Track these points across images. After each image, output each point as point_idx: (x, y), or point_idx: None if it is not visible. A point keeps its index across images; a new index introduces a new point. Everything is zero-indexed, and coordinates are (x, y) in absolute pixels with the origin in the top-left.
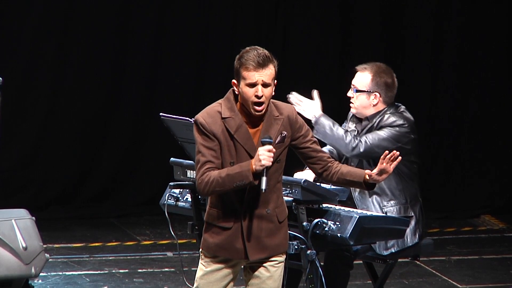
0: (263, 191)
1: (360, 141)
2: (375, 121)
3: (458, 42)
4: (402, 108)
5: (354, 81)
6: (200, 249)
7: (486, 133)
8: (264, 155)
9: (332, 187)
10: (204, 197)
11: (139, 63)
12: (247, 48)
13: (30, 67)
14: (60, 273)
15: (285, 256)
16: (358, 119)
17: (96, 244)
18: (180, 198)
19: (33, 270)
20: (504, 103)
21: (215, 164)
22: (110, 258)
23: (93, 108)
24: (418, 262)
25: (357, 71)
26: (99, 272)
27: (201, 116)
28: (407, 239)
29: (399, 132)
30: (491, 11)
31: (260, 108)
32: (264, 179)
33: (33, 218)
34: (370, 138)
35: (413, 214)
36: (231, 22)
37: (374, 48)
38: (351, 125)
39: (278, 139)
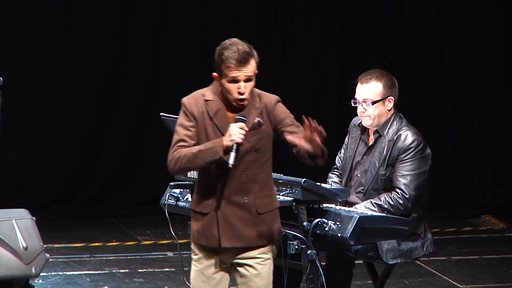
0: (230, 166)
1: (403, 198)
2: (392, 138)
3: (459, 42)
4: (403, 117)
5: (364, 95)
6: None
7: (486, 133)
8: (235, 131)
9: (333, 186)
10: (174, 175)
11: (139, 63)
12: (226, 42)
13: (30, 67)
14: (61, 273)
15: (271, 253)
16: (363, 128)
17: (97, 244)
18: (181, 198)
19: (33, 270)
20: (505, 103)
21: (188, 144)
22: (111, 258)
23: (93, 108)
24: (418, 262)
25: (361, 84)
26: (99, 272)
27: (185, 98)
28: (414, 253)
29: (422, 156)
30: (492, 10)
31: (242, 102)
32: (232, 154)
33: (34, 218)
34: (408, 187)
35: (419, 232)
36: (231, 21)
37: (375, 48)
38: (354, 134)
39: (252, 125)
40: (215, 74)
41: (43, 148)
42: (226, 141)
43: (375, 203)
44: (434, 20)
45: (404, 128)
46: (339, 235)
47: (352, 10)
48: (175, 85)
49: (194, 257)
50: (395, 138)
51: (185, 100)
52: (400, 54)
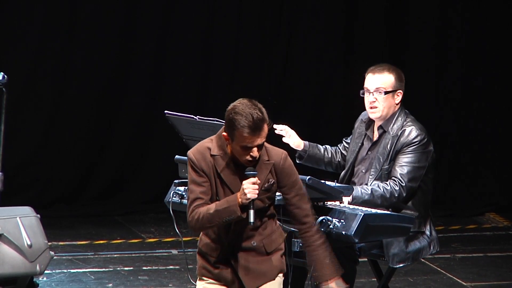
0: (251, 224)
1: (399, 185)
2: (396, 134)
3: (463, 41)
4: (408, 113)
5: (376, 84)
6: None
7: (491, 130)
8: (249, 188)
9: (337, 184)
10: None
11: (144, 61)
12: (239, 106)
13: (34, 65)
14: (65, 271)
15: (283, 276)
16: (368, 124)
17: (101, 241)
18: (185, 196)
19: (38, 267)
20: (510, 100)
21: (204, 200)
22: (115, 255)
23: (98, 106)
24: (423, 260)
25: (374, 74)
26: (104, 269)
27: (191, 152)
28: (421, 253)
29: (423, 151)
30: (497, 9)
31: (252, 164)
32: (251, 212)
33: (38, 215)
34: (404, 177)
35: (424, 230)
36: (236, 20)
37: (379, 46)
38: (359, 129)
39: (265, 186)
40: (225, 134)
41: (47, 146)
42: (242, 199)
43: (371, 187)
44: (438, 17)
45: (409, 123)
46: (343, 232)
47: (356, 8)
48: (179, 83)
49: (200, 282)
50: (399, 133)
51: (191, 155)
52: (404, 53)
